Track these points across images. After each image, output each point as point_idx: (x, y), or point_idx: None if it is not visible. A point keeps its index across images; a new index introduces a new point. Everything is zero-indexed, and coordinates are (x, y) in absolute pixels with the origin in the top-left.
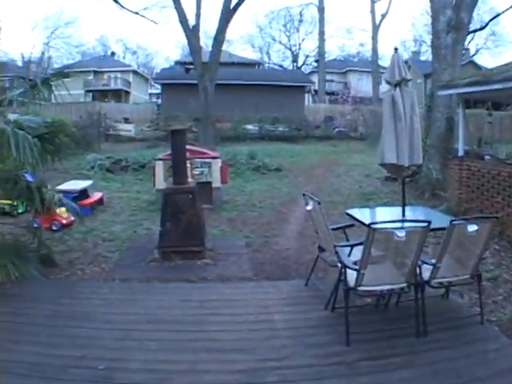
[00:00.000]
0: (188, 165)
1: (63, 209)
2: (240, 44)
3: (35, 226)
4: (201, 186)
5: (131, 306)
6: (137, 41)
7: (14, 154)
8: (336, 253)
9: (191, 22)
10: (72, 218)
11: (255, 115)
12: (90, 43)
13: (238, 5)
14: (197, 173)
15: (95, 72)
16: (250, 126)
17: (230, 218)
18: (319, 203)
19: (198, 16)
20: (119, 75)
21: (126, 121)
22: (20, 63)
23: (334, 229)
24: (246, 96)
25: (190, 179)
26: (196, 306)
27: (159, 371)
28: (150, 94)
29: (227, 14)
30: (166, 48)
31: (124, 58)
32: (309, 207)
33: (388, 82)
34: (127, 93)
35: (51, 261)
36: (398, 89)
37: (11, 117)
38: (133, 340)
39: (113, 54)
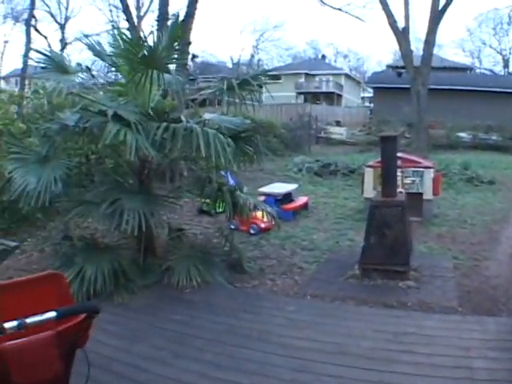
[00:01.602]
0: (399, 173)
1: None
2: (451, 48)
3: (232, 227)
4: (411, 196)
5: (316, 331)
6: (348, 45)
7: (203, 153)
8: None
9: (401, 24)
10: (272, 223)
11: (468, 122)
12: (299, 46)
13: (446, 5)
14: (408, 182)
15: (306, 75)
16: (462, 134)
17: (439, 234)
18: None
19: (406, 18)
20: (331, 78)
21: (338, 124)
22: (230, 65)
23: None
24: (459, 102)
25: (400, 189)
26: (389, 339)
27: None
28: (363, 98)
29: (436, 15)
30: (377, 52)
31: (335, 61)
32: None
33: None
34: (339, 96)
35: (241, 267)
36: None
37: (207, 116)
38: (309, 373)
39: (323, 57)
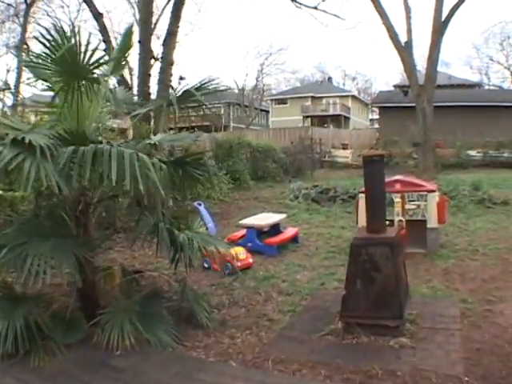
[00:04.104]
0: (399, 199)
1: (240, 248)
2: (458, 66)
3: (205, 266)
4: (413, 224)
5: None
6: (356, 67)
7: (113, 178)
8: None
9: (403, 38)
10: (250, 261)
11: (478, 140)
12: (307, 70)
13: (449, 16)
14: (412, 207)
15: (313, 98)
16: (472, 152)
17: (445, 269)
18: None
19: (409, 31)
20: (338, 100)
21: (345, 147)
22: (236, 90)
23: None
24: (467, 119)
25: (400, 217)
26: None
27: None
28: (371, 120)
29: (439, 27)
30: (385, 74)
31: (344, 84)
32: None
33: None
34: (347, 118)
35: (196, 320)
36: None
37: (155, 138)
38: None
39: (330, 79)
